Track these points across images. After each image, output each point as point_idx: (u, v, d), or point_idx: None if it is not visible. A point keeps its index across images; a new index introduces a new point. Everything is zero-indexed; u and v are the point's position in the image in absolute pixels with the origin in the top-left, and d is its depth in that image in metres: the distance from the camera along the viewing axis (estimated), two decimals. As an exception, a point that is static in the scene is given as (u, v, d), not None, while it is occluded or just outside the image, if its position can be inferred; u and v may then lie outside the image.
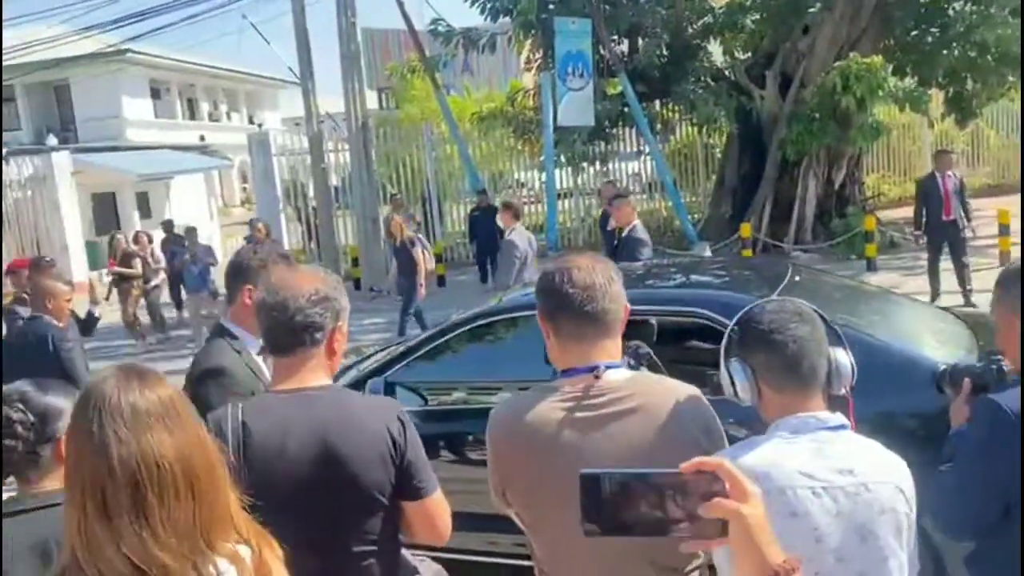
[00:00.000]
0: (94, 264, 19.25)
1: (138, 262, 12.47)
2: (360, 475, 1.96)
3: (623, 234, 7.34)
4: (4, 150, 19.70)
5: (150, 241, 13.20)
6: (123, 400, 1.33)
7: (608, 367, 1.88)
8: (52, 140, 20.79)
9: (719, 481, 1.10)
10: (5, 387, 1.90)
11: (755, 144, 14.77)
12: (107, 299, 11.82)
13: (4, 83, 25.58)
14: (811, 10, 13.96)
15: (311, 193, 17.02)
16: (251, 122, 34.49)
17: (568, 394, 1.86)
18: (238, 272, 2.81)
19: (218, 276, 12.22)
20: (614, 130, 16.44)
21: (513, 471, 1.93)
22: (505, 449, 1.93)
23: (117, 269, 12.39)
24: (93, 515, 1.28)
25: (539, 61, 15.49)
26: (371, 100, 20.33)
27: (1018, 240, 9.95)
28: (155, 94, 30.30)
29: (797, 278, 4.39)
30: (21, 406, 1.85)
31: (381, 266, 14.24)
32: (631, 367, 2.14)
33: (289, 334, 2.04)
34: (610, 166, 18.09)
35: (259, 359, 2.75)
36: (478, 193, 14.60)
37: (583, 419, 1.83)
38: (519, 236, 8.00)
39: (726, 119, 14.15)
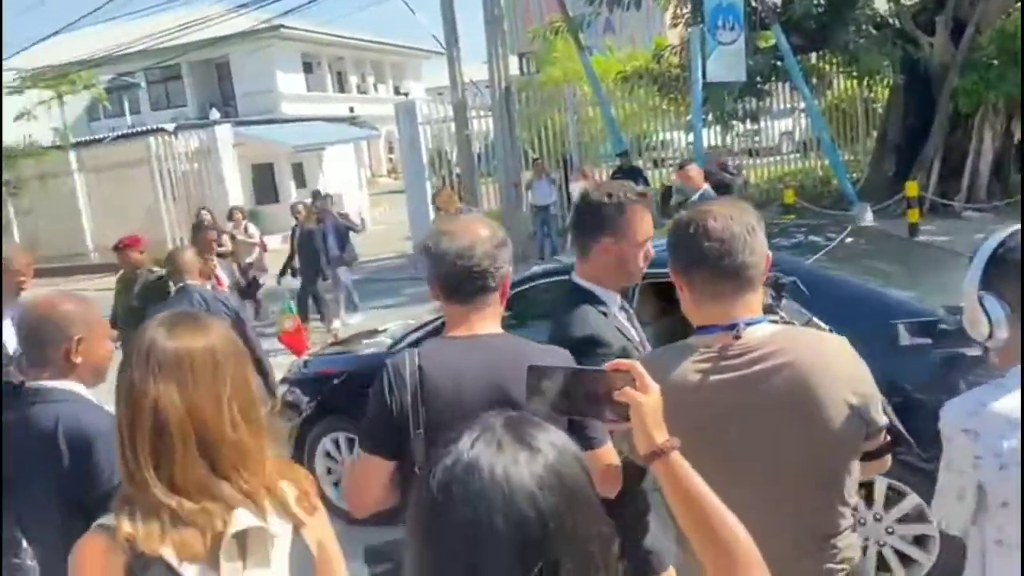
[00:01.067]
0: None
1: (225, 238, 11.63)
2: None
3: (695, 198, 7.18)
4: (173, 125, 21.02)
5: (244, 217, 12.55)
6: (152, 347, 1.45)
7: (748, 324, 1.73)
8: (215, 114, 21.99)
9: (629, 377, 1.40)
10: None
11: (922, 96, 13.71)
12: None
13: (171, 62, 27.30)
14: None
15: (454, 160, 17.24)
16: (397, 93, 35.28)
17: (705, 354, 1.74)
18: (597, 220, 2.43)
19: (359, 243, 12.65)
20: (766, 86, 15.69)
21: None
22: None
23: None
24: (129, 454, 1.42)
25: (687, 16, 14.93)
26: (512, 65, 20.29)
27: None
28: (307, 68, 31.49)
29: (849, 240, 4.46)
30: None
31: (524, 230, 14.25)
32: (772, 300, 2.05)
33: (472, 280, 2.04)
34: (761, 123, 17.32)
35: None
36: (620, 155, 14.29)
37: (722, 380, 1.71)
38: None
39: (891, 70, 13.17)
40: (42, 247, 18.13)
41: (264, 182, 22.52)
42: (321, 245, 10.80)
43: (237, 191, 19.41)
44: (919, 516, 3.54)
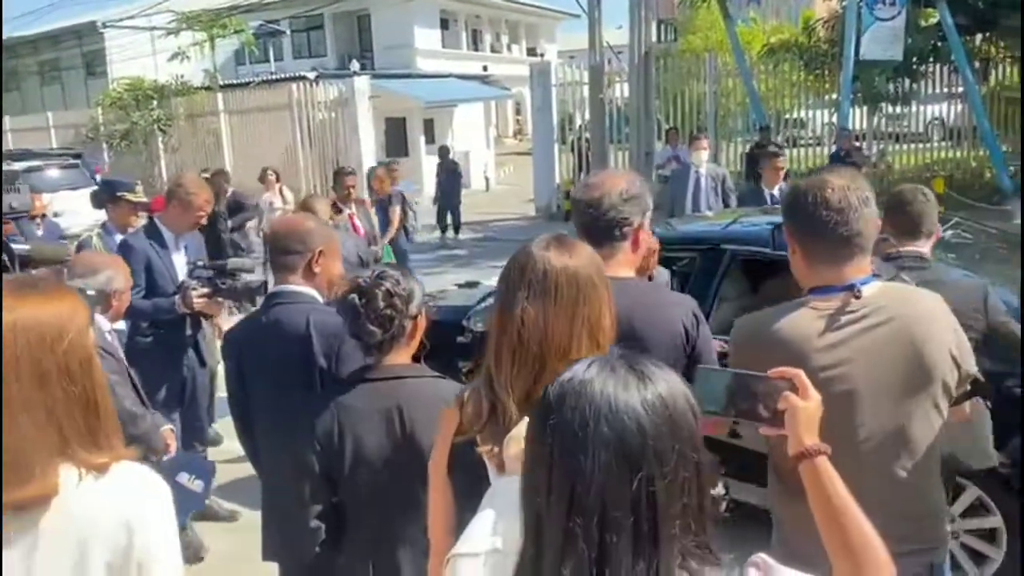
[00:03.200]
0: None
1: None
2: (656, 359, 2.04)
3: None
4: (314, 73, 21.62)
5: (278, 180, 11.29)
6: (528, 265, 1.64)
7: (863, 283, 1.89)
8: (355, 66, 22.47)
9: (791, 383, 1.47)
10: (386, 268, 2.17)
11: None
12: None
13: (315, 12, 28.04)
14: None
15: (585, 125, 17.06)
16: (530, 54, 35.16)
17: (825, 311, 1.89)
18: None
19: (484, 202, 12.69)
20: (922, 67, 14.79)
21: None
22: (752, 361, 1.84)
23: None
24: (492, 356, 1.63)
25: (843, -12, 14.19)
26: (651, 32, 19.85)
27: None
28: (443, 24, 31.71)
29: None
30: (394, 283, 2.07)
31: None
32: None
33: (602, 229, 2.21)
34: (911, 107, 16.36)
35: None
36: (762, 129, 13.80)
37: (842, 332, 1.86)
38: None
39: (1067, 56, 12.19)
40: (186, 183, 19.05)
41: (396, 136, 22.94)
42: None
43: (370, 142, 19.84)
44: (983, 508, 3.47)
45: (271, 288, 2.67)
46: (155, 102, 21.31)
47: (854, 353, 1.86)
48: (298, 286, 2.57)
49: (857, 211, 1.86)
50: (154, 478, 1.47)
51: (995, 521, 3.44)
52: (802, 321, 1.90)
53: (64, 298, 1.44)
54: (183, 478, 2.63)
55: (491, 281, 6.52)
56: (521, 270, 1.61)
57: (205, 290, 3.46)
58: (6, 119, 23.83)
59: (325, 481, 2.04)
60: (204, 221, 4.18)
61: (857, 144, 10.33)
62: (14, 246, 3.84)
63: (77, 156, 16.90)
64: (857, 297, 1.87)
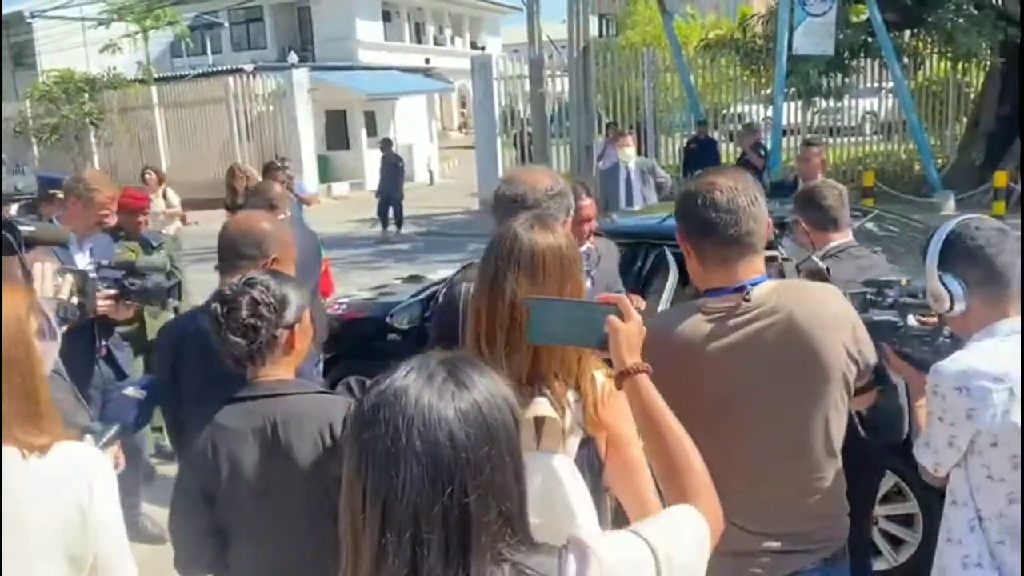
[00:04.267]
0: (323, 178, 20.53)
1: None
2: None
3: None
4: (252, 66, 21.26)
5: (162, 181, 9.81)
6: (514, 244, 1.67)
7: (754, 284, 1.87)
8: (293, 58, 22.14)
9: (616, 308, 1.52)
10: (256, 274, 2.02)
11: (1020, 82, 13.08)
12: None
13: (254, 4, 27.55)
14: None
15: (527, 119, 17.11)
16: (473, 47, 35.06)
17: (714, 313, 1.88)
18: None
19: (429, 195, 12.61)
20: (853, 62, 15.13)
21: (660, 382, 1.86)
22: (652, 362, 1.80)
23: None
24: (484, 333, 1.66)
25: (776, -15, 14.41)
26: (591, 27, 19.96)
27: None
28: (386, 17, 31.42)
29: None
30: (264, 289, 1.92)
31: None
32: (774, 236, 2.24)
33: None
34: (844, 102, 16.75)
35: None
36: (699, 123, 13.99)
37: (731, 336, 1.85)
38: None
39: (989, 53, 12.57)
40: (119, 178, 18.63)
41: (336, 128, 22.70)
42: None
43: (309, 135, 19.62)
44: (899, 495, 3.56)
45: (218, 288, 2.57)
46: (86, 95, 20.74)
47: (742, 355, 1.84)
48: None
49: (746, 211, 1.85)
50: (95, 453, 1.60)
51: (911, 507, 3.53)
52: (692, 324, 1.88)
53: (7, 287, 1.51)
54: (128, 390, 2.55)
55: (435, 275, 6.48)
56: (509, 250, 1.64)
57: (111, 291, 3.18)
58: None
59: (204, 501, 1.91)
60: (111, 221, 3.88)
61: (758, 140, 10.57)
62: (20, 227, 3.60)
63: None
64: (747, 299, 1.86)
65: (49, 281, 1.80)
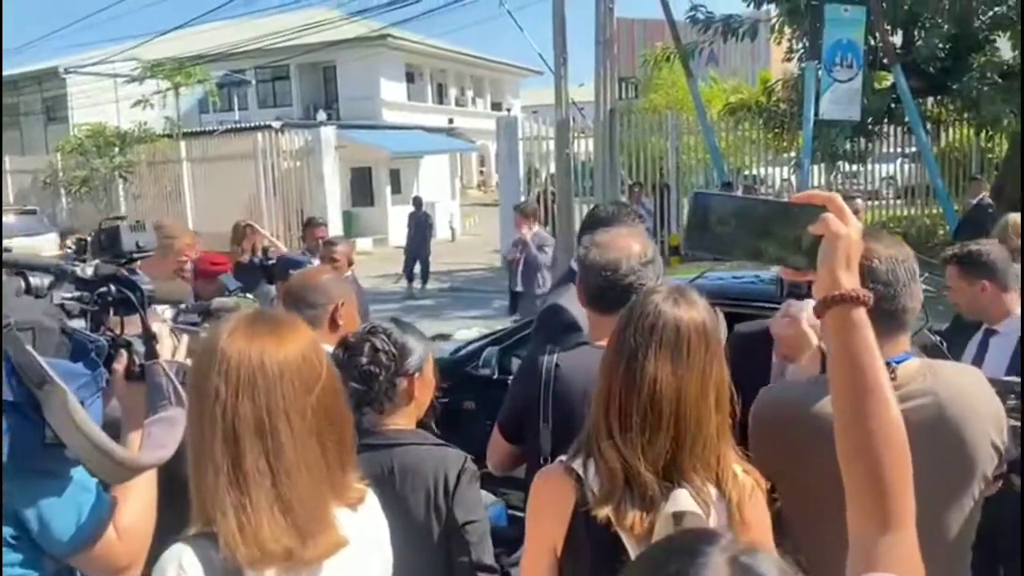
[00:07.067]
0: (348, 233, 20.66)
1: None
2: None
3: None
4: (280, 123, 21.62)
5: None
6: (656, 319, 1.58)
7: (899, 361, 1.69)
8: (321, 115, 22.51)
9: (825, 211, 1.13)
10: (381, 322, 2.04)
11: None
12: None
13: (281, 63, 28.14)
14: None
15: (544, 178, 17.30)
16: (494, 108, 35.61)
17: None
18: None
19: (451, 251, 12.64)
20: (877, 128, 15.27)
21: (789, 464, 1.69)
22: (780, 436, 1.71)
23: None
24: (614, 417, 1.55)
25: (801, 51, 14.65)
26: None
27: None
28: (409, 78, 32.05)
29: None
30: (385, 338, 1.92)
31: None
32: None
33: (618, 293, 2.06)
34: (865, 167, 16.87)
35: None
36: (722, 185, 14.07)
37: None
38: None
39: (1016, 120, 12.66)
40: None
41: (361, 185, 22.96)
42: None
43: (336, 192, 19.82)
44: None
45: None
46: (117, 149, 21.10)
47: None
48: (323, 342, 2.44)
49: (906, 286, 1.72)
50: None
51: None
52: (827, 401, 1.70)
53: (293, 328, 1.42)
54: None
55: (463, 333, 6.49)
56: (651, 326, 1.52)
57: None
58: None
59: None
60: (187, 268, 3.88)
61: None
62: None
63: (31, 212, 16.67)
64: (892, 378, 1.63)
65: (168, 342, 1.73)
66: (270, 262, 6.60)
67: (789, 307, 2.13)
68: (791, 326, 2.09)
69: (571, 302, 2.74)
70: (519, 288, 7.83)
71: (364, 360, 1.91)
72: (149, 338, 1.70)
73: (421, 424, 2.06)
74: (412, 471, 1.87)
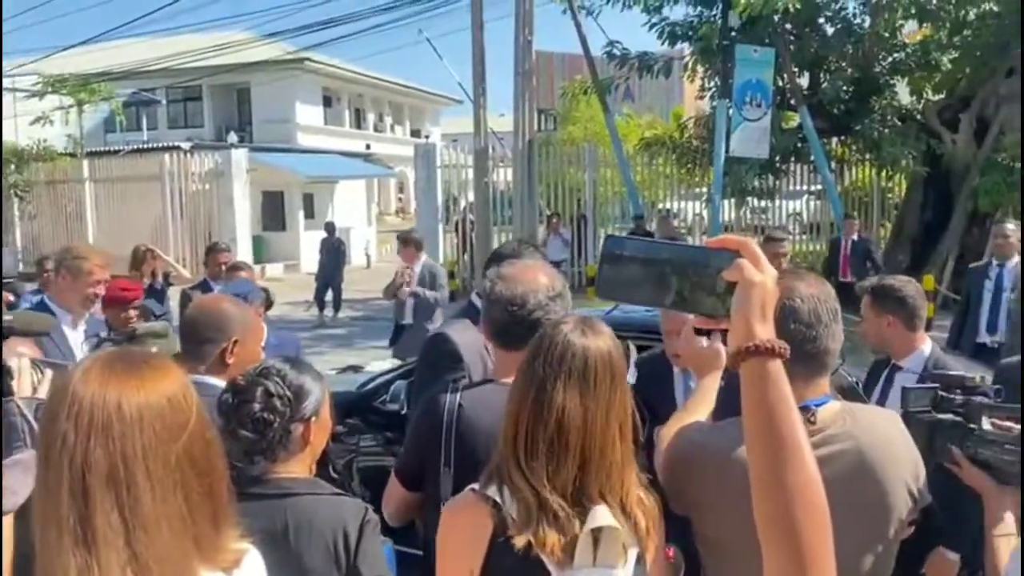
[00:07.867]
0: (258, 258, 20.16)
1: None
2: None
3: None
4: (189, 144, 21.01)
5: None
6: (566, 349, 1.60)
7: (818, 405, 1.65)
8: (232, 138, 21.98)
9: (739, 256, 1.09)
10: (275, 362, 1.87)
11: (941, 191, 13.78)
12: None
13: (193, 83, 27.43)
14: (1017, 51, 12.90)
15: (463, 206, 17.25)
16: (413, 135, 35.50)
17: None
18: None
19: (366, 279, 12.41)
20: (784, 166, 15.79)
21: (704, 504, 1.67)
22: (696, 478, 1.67)
23: None
24: (521, 447, 1.57)
25: (713, 89, 15.06)
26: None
27: None
28: (327, 102, 31.68)
29: None
30: (279, 380, 1.78)
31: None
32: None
33: (524, 329, 1.97)
34: (773, 203, 17.42)
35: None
36: (636, 218, 14.28)
37: None
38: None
39: (914, 162, 13.25)
40: (41, 252, 17.95)
41: (273, 209, 22.45)
42: None
43: (245, 216, 19.33)
44: None
45: None
46: (12, 166, 20.12)
47: None
48: (205, 377, 2.27)
49: (827, 326, 1.68)
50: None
51: None
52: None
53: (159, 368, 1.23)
54: None
55: (376, 365, 6.24)
56: (560, 356, 1.53)
57: None
58: None
59: None
60: (101, 292, 3.63)
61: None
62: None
63: None
64: (811, 422, 1.67)
65: (27, 376, 1.54)
66: (170, 287, 6.35)
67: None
68: (688, 341, 2.03)
69: (459, 333, 2.67)
70: (407, 321, 7.56)
71: (257, 407, 1.75)
72: (3, 373, 1.52)
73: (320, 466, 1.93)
74: (308, 525, 1.73)
